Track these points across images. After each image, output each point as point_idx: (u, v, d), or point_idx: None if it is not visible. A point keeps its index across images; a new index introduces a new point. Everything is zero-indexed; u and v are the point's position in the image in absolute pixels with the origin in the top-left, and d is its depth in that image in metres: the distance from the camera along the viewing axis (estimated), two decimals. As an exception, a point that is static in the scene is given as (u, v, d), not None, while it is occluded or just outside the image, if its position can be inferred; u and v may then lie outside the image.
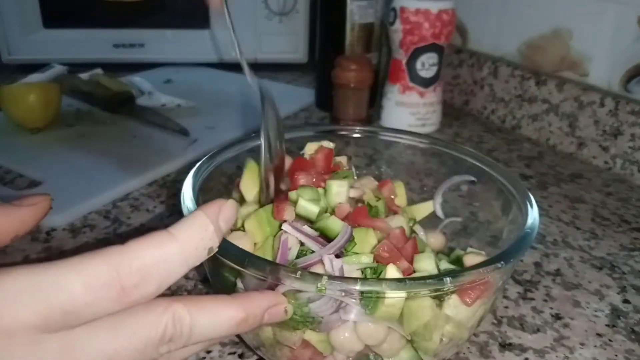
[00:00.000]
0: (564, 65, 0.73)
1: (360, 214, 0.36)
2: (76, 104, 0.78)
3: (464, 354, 0.38)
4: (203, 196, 0.37)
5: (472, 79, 0.85)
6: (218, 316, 0.24)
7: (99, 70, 0.83)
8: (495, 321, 0.42)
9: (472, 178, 0.43)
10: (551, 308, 0.43)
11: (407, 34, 0.71)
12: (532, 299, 0.44)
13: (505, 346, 0.39)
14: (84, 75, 0.82)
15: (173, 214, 0.54)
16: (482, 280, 0.30)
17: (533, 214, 0.35)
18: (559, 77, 0.73)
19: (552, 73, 0.75)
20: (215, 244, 0.24)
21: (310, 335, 0.30)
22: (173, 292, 0.43)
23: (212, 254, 0.24)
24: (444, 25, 0.70)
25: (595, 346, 0.40)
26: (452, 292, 0.30)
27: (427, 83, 0.73)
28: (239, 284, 0.31)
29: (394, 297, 0.28)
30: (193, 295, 0.23)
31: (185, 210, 0.33)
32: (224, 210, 0.24)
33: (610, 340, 0.40)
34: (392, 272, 0.30)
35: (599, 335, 0.41)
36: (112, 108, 0.75)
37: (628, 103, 0.65)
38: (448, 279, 0.28)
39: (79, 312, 0.20)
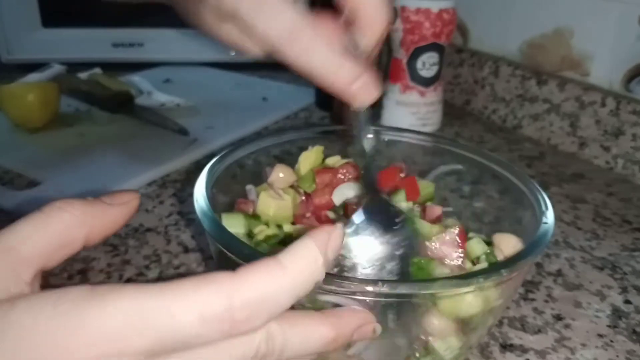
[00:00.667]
0: (566, 65, 0.73)
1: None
2: (75, 103, 0.78)
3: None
4: (214, 195, 0.37)
5: (473, 78, 0.85)
6: (309, 335, 0.24)
7: (98, 70, 0.83)
8: (496, 322, 0.41)
9: (460, 166, 0.43)
10: (552, 309, 0.43)
11: (407, 33, 0.70)
12: (533, 299, 0.44)
13: (506, 347, 0.39)
14: (83, 75, 0.82)
15: (172, 214, 0.54)
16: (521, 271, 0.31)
17: (548, 206, 0.36)
18: (561, 77, 0.73)
19: (553, 73, 0.75)
20: (322, 276, 0.23)
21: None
22: (172, 292, 0.43)
23: (317, 287, 0.24)
24: (445, 25, 0.70)
25: (596, 347, 0.39)
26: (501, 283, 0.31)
27: (427, 82, 0.73)
28: None
29: (458, 292, 0.29)
30: (286, 312, 0.23)
31: (198, 210, 0.33)
32: (333, 239, 0.23)
33: (611, 341, 0.40)
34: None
35: (600, 335, 0.41)
36: (111, 108, 0.75)
37: (629, 103, 0.65)
38: (505, 270, 0.29)
39: (189, 341, 0.20)
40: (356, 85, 0.29)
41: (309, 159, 0.43)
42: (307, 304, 0.28)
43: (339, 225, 0.24)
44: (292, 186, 0.42)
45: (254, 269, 0.21)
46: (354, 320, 0.26)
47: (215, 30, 0.33)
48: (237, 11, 0.29)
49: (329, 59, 0.29)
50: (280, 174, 0.41)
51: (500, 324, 0.41)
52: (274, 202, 0.38)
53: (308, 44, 0.28)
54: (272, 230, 0.38)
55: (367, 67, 0.30)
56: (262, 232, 0.37)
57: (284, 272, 0.22)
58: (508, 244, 0.36)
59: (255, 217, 0.39)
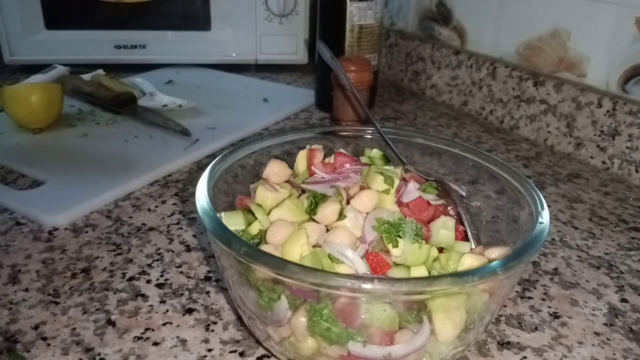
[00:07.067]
0: (562, 66, 0.74)
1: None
2: (78, 104, 0.79)
3: (463, 351, 0.39)
4: (215, 195, 0.38)
5: (470, 79, 0.85)
6: None
7: (100, 71, 0.84)
8: (493, 320, 0.42)
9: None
10: (549, 307, 0.44)
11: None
12: (530, 297, 0.45)
13: (503, 345, 0.40)
14: (86, 76, 0.82)
15: (174, 214, 0.54)
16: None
17: (544, 206, 0.36)
18: (557, 78, 0.74)
19: (550, 74, 0.75)
20: None
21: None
22: (174, 291, 0.43)
23: None
24: None
25: (593, 345, 0.40)
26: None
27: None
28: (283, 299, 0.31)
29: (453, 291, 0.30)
30: None
31: (199, 209, 0.34)
32: None
33: (608, 339, 0.41)
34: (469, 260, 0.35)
35: (596, 334, 0.41)
36: (114, 109, 0.76)
37: (626, 103, 0.65)
38: (500, 269, 0.30)
39: None
40: None
41: (306, 157, 0.44)
42: None
43: None
44: (289, 181, 0.42)
45: None
46: None
47: None
48: None
49: None
50: (275, 169, 0.42)
51: (497, 321, 0.42)
52: (271, 195, 0.39)
53: None
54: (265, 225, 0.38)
55: None
56: (254, 227, 0.38)
57: None
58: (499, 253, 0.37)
59: (253, 213, 0.40)
